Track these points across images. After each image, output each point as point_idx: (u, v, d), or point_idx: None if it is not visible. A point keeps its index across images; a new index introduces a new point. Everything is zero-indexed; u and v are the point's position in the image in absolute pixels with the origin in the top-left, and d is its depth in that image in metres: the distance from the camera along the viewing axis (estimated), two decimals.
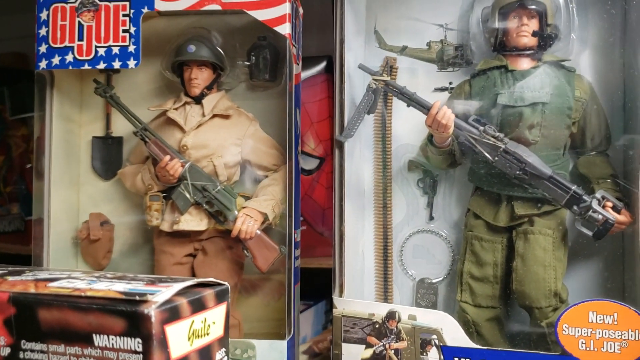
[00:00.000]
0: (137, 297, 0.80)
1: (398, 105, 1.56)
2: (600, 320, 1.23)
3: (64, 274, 0.94)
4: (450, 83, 1.53)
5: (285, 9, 1.48)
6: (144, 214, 1.63)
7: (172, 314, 0.81)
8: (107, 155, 1.73)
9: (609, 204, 1.31)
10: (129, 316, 0.80)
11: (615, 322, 1.22)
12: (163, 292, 0.82)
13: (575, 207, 1.32)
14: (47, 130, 1.61)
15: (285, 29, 1.49)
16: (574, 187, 1.32)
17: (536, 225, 1.37)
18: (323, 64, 2.08)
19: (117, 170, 1.71)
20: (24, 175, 2.73)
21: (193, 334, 0.85)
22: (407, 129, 1.57)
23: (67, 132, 1.69)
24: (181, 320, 0.83)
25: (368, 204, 1.59)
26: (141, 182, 1.62)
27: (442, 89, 1.54)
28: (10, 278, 0.91)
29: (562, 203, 1.33)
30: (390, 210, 1.58)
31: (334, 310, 1.39)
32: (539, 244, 1.36)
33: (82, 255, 1.71)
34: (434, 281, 1.55)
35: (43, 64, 1.53)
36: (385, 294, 1.57)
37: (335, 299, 1.39)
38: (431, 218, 1.56)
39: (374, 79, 1.44)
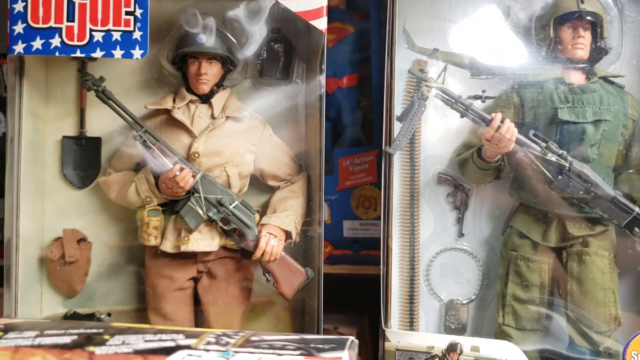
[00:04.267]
0: None
1: (427, 112, 1.44)
2: None
3: (165, 340, 0.72)
4: (483, 91, 1.42)
5: (323, 0, 1.30)
6: (139, 231, 1.38)
7: None
8: (81, 159, 1.46)
9: None
10: None
11: None
12: None
13: (636, 229, 1.28)
14: (15, 130, 1.31)
15: (321, 24, 1.31)
16: (637, 209, 1.28)
17: (591, 247, 1.32)
18: None
19: (93, 177, 1.45)
20: None
21: None
22: (437, 138, 1.46)
23: (34, 130, 1.39)
24: None
25: (394, 218, 1.45)
26: (135, 194, 1.37)
27: (476, 97, 1.43)
28: (97, 350, 0.68)
29: (623, 224, 1.29)
30: (417, 227, 1.46)
31: (387, 344, 1.25)
32: (596, 266, 1.31)
33: (50, 280, 1.43)
34: (464, 302, 1.45)
35: (19, 48, 1.24)
36: (411, 317, 1.45)
37: (387, 330, 1.25)
38: (461, 235, 1.46)
39: (427, 86, 1.30)
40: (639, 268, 1.33)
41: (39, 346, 0.68)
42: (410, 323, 1.46)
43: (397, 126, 1.38)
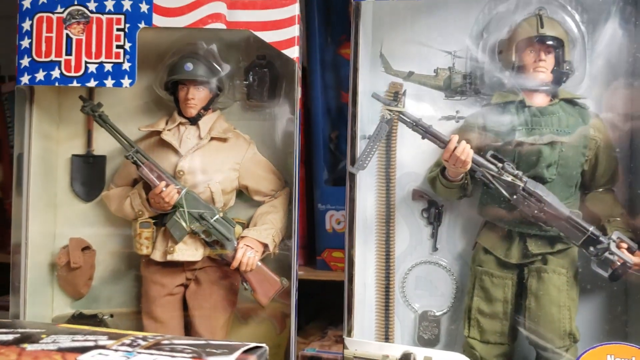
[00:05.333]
0: None
1: (403, 132, 1.52)
2: None
3: (90, 340, 0.84)
4: (457, 112, 1.49)
5: (294, 31, 1.41)
6: (133, 241, 1.52)
7: None
8: (88, 175, 1.61)
9: (624, 245, 1.31)
10: None
11: None
12: None
13: (591, 248, 1.31)
14: (26, 149, 1.48)
15: (294, 52, 1.41)
16: (591, 228, 1.31)
17: (550, 264, 1.36)
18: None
19: (99, 192, 1.60)
20: None
21: None
22: (412, 156, 1.52)
23: (45, 150, 1.56)
24: None
25: (370, 233, 1.54)
26: (130, 207, 1.51)
27: (449, 118, 1.50)
28: (28, 347, 0.81)
29: (579, 243, 1.32)
30: (393, 240, 1.53)
31: (345, 352, 1.34)
32: (553, 283, 1.35)
33: (59, 283, 1.59)
34: (437, 314, 1.52)
35: (25, 79, 1.40)
36: (386, 327, 1.52)
37: (346, 339, 1.34)
38: (435, 249, 1.52)
39: (387, 109, 1.38)
40: (588, 286, 1.36)
41: None
42: (386, 332, 1.54)
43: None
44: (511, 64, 1.40)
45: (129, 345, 0.82)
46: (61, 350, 0.80)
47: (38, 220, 1.53)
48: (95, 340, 0.84)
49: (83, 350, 0.80)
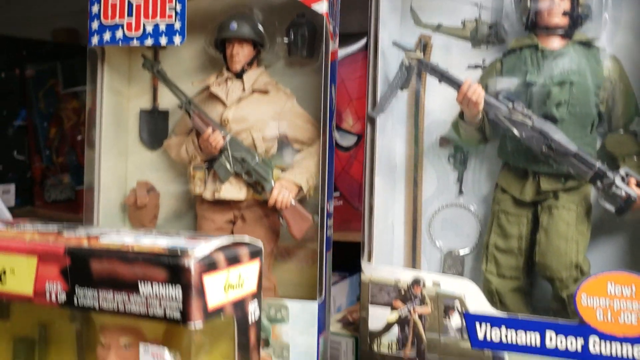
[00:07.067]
0: (179, 252, 0.89)
1: (432, 81, 1.60)
2: (618, 291, 1.27)
3: (113, 231, 1.04)
4: (483, 60, 1.57)
5: None
6: (188, 182, 1.73)
7: (209, 265, 0.90)
8: (154, 127, 1.83)
9: (633, 180, 1.34)
10: (171, 267, 0.89)
11: (634, 294, 1.26)
12: (202, 247, 0.91)
13: (599, 183, 1.35)
14: (98, 103, 1.73)
15: (322, 8, 1.55)
16: (598, 164, 1.35)
17: (560, 200, 1.41)
18: (363, 41, 2.10)
19: (163, 141, 1.81)
20: (75, 146, 2.86)
21: (228, 285, 0.94)
22: (441, 104, 1.61)
23: (117, 104, 1.80)
24: (217, 271, 0.92)
25: (399, 178, 1.65)
26: (185, 152, 1.72)
27: (476, 66, 1.57)
28: (65, 234, 1.02)
29: (587, 179, 1.37)
30: (420, 185, 1.63)
31: (362, 276, 1.46)
32: (562, 218, 1.40)
33: (129, 220, 1.82)
34: (461, 253, 1.60)
35: (95, 40, 1.64)
36: (413, 264, 1.63)
37: (364, 264, 1.46)
38: (460, 192, 1.61)
39: (407, 56, 1.49)
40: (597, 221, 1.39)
41: (36, 230, 1.04)
42: (413, 268, 1.64)
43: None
44: (527, 10, 1.45)
45: (143, 233, 1.01)
46: (89, 235, 1.00)
47: (111, 167, 1.77)
48: (118, 231, 1.04)
49: (105, 235, 0.99)
